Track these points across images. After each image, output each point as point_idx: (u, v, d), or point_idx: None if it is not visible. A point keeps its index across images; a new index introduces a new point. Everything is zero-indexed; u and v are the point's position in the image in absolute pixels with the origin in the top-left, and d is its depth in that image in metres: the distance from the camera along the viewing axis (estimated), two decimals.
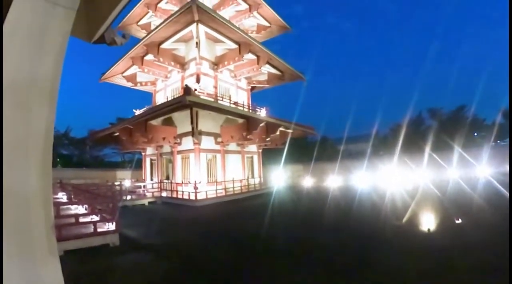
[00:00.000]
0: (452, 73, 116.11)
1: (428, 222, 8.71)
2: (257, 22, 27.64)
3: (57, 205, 9.27)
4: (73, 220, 8.67)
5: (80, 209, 12.28)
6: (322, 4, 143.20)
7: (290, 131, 24.03)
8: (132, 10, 24.71)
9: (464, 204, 11.86)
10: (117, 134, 22.15)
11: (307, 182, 26.62)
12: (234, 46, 21.48)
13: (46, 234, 2.33)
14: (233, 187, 20.36)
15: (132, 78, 25.21)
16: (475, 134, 38.25)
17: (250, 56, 22.24)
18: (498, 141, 35.11)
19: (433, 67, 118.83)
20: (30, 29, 2.50)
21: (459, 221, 8.79)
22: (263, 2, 25.27)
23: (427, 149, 24.01)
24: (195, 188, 17.13)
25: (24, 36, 2.47)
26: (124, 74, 24.91)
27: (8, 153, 2.18)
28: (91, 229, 8.31)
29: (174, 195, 19.14)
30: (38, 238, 2.29)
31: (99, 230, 8.33)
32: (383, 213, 11.13)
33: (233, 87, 24.82)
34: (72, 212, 11.68)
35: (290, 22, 28.83)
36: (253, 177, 25.06)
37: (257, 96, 30.97)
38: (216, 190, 19.07)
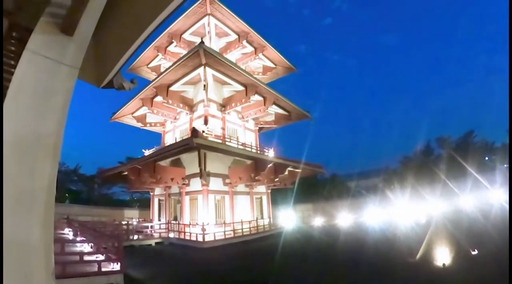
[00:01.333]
0: (456, 100, 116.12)
1: (443, 256, 8.35)
2: (263, 63, 28.67)
3: (62, 241, 9.22)
4: (78, 257, 8.59)
5: (85, 246, 12.13)
6: (324, 43, 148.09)
7: (298, 170, 23.81)
8: (143, 53, 25.86)
9: (479, 234, 11.44)
10: (126, 173, 22.32)
11: (317, 221, 25.94)
12: (241, 88, 22.04)
13: (46, 280, 2.39)
14: (242, 228, 19.92)
15: (141, 119, 25.82)
16: (486, 158, 37.41)
17: (257, 98, 22.66)
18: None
19: (438, 96, 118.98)
20: (35, 87, 2.69)
21: (475, 252, 8.42)
22: (268, 44, 26.41)
23: (439, 178, 23.48)
24: (203, 229, 16.85)
25: (29, 94, 2.66)
26: (134, 115, 25.47)
27: (13, 205, 2.30)
28: (95, 268, 8.16)
29: (182, 236, 18.77)
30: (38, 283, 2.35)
31: (103, 269, 8.19)
32: (396, 250, 10.73)
33: (241, 128, 25.12)
34: (78, 249, 11.56)
35: (294, 61, 29.75)
36: (262, 217, 24.48)
37: (266, 134, 31.26)
38: (224, 231, 18.58)
